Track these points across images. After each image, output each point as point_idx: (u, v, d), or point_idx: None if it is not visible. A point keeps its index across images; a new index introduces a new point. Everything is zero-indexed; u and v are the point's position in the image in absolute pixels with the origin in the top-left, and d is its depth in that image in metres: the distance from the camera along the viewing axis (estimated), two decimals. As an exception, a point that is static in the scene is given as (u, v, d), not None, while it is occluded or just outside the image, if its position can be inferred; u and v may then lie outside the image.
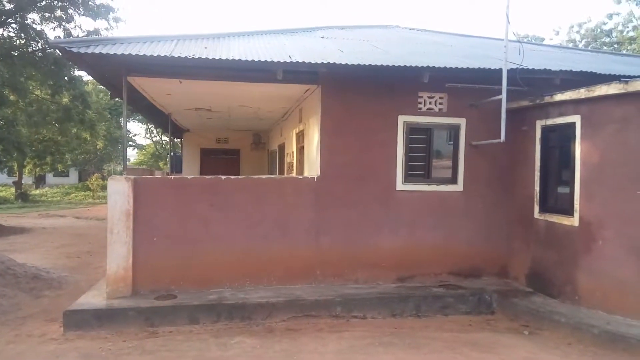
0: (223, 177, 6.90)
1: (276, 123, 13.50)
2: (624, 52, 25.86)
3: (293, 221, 7.07)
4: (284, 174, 11.87)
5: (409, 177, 7.46)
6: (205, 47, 7.21)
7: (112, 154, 42.61)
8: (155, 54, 6.24)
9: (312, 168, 7.72)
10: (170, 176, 11.40)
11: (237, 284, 6.84)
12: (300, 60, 6.51)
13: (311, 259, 7.09)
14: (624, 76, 6.73)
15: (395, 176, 7.39)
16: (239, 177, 7.18)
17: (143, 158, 48.80)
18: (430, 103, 7.50)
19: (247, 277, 6.88)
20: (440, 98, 7.52)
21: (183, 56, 6.33)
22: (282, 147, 12.59)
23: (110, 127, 34.51)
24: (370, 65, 6.65)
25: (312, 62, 6.49)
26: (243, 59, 6.39)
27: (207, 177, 7.01)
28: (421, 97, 7.47)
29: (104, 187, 31.78)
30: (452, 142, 7.69)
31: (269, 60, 6.42)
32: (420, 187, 7.49)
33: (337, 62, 6.57)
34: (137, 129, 70.02)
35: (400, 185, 7.41)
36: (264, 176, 7.51)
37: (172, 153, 16.97)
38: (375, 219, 7.31)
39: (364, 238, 7.26)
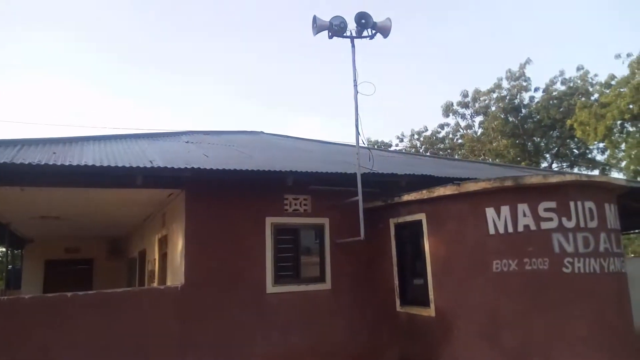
0: (69, 294, 6.09)
1: (137, 228, 12.65)
2: (456, 157, 30.37)
3: (154, 340, 6.38)
4: (144, 284, 10.91)
5: (279, 279, 7.39)
6: (54, 153, 6.70)
7: None
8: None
9: (176, 276, 7.25)
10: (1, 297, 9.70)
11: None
12: (161, 166, 6.37)
13: (175, 380, 6.37)
14: (457, 178, 7.80)
15: (265, 279, 7.26)
16: (89, 292, 6.42)
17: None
18: (295, 204, 7.76)
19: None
20: (305, 200, 7.84)
21: (26, 163, 5.77)
22: (142, 254, 11.70)
23: None
24: (235, 169, 6.76)
25: (175, 167, 6.40)
26: (97, 164, 6.05)
27: (49, 295, 6.14)
28: (287, 199, 7.72)
29: None
30: (318, 241, 7.94)
31: (127, 165, 6.18)
32: (290, 287, 7.43)
33: (201, 167, 6.56)
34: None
35: (270, 288, 7.27)
36: (119, 289, 6.82)
37: (9, 267, 14.61)
38: (247, 327, 6.96)
39: (236, 349, 6.80)
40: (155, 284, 9.40)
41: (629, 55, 22.26)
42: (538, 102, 29.77)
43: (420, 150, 33.99)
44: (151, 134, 10.72)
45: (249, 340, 6.93)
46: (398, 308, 7.39)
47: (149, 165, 6.36)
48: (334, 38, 7.62)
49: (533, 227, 6.05)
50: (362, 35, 7.71)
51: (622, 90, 22.00)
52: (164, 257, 8.87)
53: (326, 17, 7.49)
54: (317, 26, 7.40)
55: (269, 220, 7.46)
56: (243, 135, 12.97)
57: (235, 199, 7.26)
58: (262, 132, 14.27)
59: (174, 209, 7.88)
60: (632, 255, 37.93)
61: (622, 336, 6.14)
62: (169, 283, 7.98)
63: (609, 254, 6.20)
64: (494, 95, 30.97)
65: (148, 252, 10.82)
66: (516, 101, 30.30)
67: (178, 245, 7.31)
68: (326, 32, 7.51)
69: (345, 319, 7.68)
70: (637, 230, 19.68)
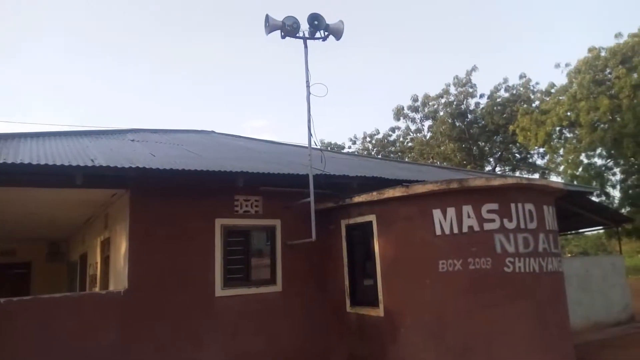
0: (2, 300, 5.70)
1: (78, 230, 12.05)
2: (406, 159, 31.12)
3: (95, 347, 6.07)
4: (86, 289, 10.41)
5: (228, 282, 7.24)
6: (-15, 149, 6.26)
7: None
8: None
9: (119, 280, 6.95)
10: None
11: None
12: (104, 164, 6.09)
13: (117, 389, 6.10)
14: (406, 181, 7.95)
15: (214, 282, 7.10)
16: (25, 298, 6.03)
17: None
18: (246, 206, 7.64)
19: None
20: (256, 201, 7.74)
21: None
22: (84, 258, 11.16)
23: None
24: (183, 170, 6.57)
25: (119, 166, 6.13)
26: (34, 162, 5.70)
27: (-23, 302, 5.69)
28: (237, 200, 7.59)
29: None
30: (269, 243, 7.86)
31: (66, 164, 5.86)
32: (240, 290, 7.31)
33: (147, 167, 6.32)
34: None
35: (219, 291, 7.12)
36: (58, 295, 6.44)
37: None
38: (195, 331, 6.77)
39: (182, 355, 6.60)
40: (97, 289, 8.99)
41: (567, 65, 23.64)
42: (483, 108, 31.05)
43: (372, 153, 34.57)
44: (94, 131, 10.27)
45: (196, 346, 6.75)
46: (348, 309, 7.45)
47: (90, 164, 6.06)
48: (287, 38, 7.60)
49: (477, 228, 6.27)
50: (315, 36, 7.73)
51: (561, 98, 23.32)
52: (106, 260, 8.49)
53: (280, 17, 7.46)
54: (270, 25, 7.34)
55: (219, 222, 7.31)
56: (193, 134, 12.66)
57: (183, 200, 7.06)
58: (212, 132, 14.00)
59: (118, 210, 7.56)
60: (569, 255, 40.32)
61: (559, 333, 6.48)
62: (111, 288, 7.65)
63: (547, 254, 6.53)
64: (442, 101, 32.02)
65: (90, 255, 10.34)
66: (463, 107, 31.46)
67: (121, 248, 7.01)
68: (279, 32, 7.46)
69: (296, 321, 7.64)
70: (573, 232, 20.93)
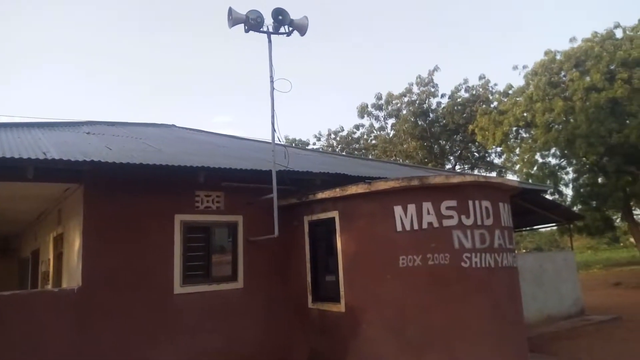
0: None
1: (30, 226, 11.53)
2: (370, 157, 31.43)
3: (47, 347, 5.83)
4: (38, 286, 9.97)
5: (187, 279, 7.11)
6: None
7: None
8: None
9: (73, 277, 6.70)
10: None
11: None
12: (56, 157, 5.83)
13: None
14: (369, 178, 8.03)
15: (173, 279, 6.94)
16: (-31, 297, 5.71)
17: None
18: (207, 201, 7.51)
19: None
20: (217, 197, 7.62)
21: None
22: (36, 254, 10.70)
23: None
24: (141, 164, 6.38)
25: (72, 159, 5.89)
26: (-20, 154, 5.39)
27: None
28: (198, 195, 7.44)
29: None
30: (231, 239, 7.76)
31: (16, 156, 5.58)
32: (200, 287, 7.18)
33: (102, 161, 6.10)
34: None
35: (178, 288, 6.97)
36: (6, 292, 6.13)
37: None
38: (152, 330, 6.61)
39: (138, 354, 6.43)
40: (49, 286, 8.64)
41: (524, 67, 24.44)
42: (444, 107, 31.73)
43: (337, 150, 34.73)
44: (48, 123, 9.83)
45: (153, 344, 6.59)
46: (310, 305, 7.45)
47: (42, 156, 5.79)
48: (251, 33, 7.50)
49: (436, 224, 6.40)
50: (279, 31, 7.66)
51: (518, 99, 24.12)
52: (59, 257, 8.17)
53: (244, 11, 7.35)
54: (233, 19, 7.22)
55: (179, 218, 7.15)
56: (152, 128, 12.32)
57: (141, 195, 6.86)
58: (173, 126, 13.67)
59: (72, 205, 7.27)
60: (524, 251, 41.88)
61: (513, 326, 6.71)
62: (64, 285, 7.36)
63: (502, 249, 6.73)
64: (405, 99, 32.50)
65: (42, 252, 9.92)
66: (425, 106, 32.04)
67: (75, 244, 6.75)
68: (242, 25, 7.36)
69: (258, 317, 7.58)
70: (528, 228, 21.74)
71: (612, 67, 19.92)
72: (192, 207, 7.34)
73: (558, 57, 22.48)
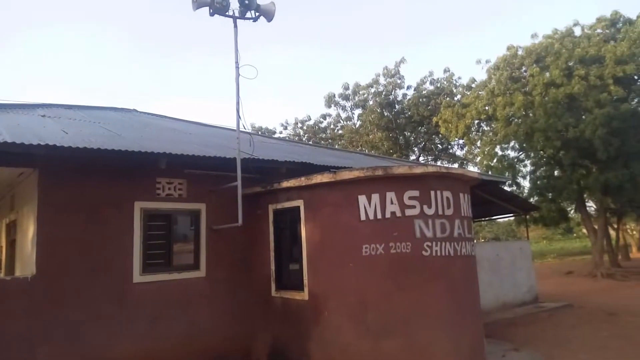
0: None
1: (-20, 212, 11.00)
2: (336, 146, 31.52)
3: (-4, 336, 5.61)
4: (-12, 276, 9.55)
5: (148, 267, 6.97)
6: None
7: None
8: None
9: (27, 266, 6.45)
10: None
11: None
12: (9, 141, 5.55)
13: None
14: (335, 167, 8.05)
15: (132, 267, 6.79)
16: None
17: None
18: (169, 189, 7.36)
19: None
20: (180, 184, 7.48)
21: None
22: (-13, 242, 10.21)
23: None
24: (99, 149, 6.16)
25: (26, 143, 5.63)
26: None
27: None
28: (159, 182, 7.28)
29: None
30: (193, 228, 7.64)
31: (-37, 139, 5.28)
32: (160, 276, 7.06)
33: (57, 145, 5.86)
34: None
35: (137, 277, 6.83)
36: (-48, 282, 5.86)
37: None
38: (109, 319, 6.46)
39: (94, 343, 6.27)
40: (1, 275, 8.29)
41: (487, 61, 24.96)
42: (410, 99, 32.10)
43: (303, 139, 34.63)
44: (0, 105, 9.34)
45: (109, 334, 6.44)
46: (273, 293, 7.46)
47: (-8, 139, 5.51)
48: (216, 16, 7.34)
49: (399, 213, 6.50)
50: (246, 16, 7.54)
51: (480, 93, 24.68)
52: (12, 244, 7.85)
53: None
54: (197, 1, 7.04)
55: (139, 205, 6.98)
56: (112, 112, 11.92)
57: (99, 181, 6.65)
58: (134, 110, 13.25)
59: (25, 190, 6.98)
60: (482, 240, 43.23)
61: (470, 313, 6.92)
62: (17, 273, 7.08)
63: (462, 238, 6.92)
64: (372, 90, 32.66)
65: (-7, 240, 9.47)
66: (391, 97, 32.31)
67: (29, 231, 6.49)
68: (207, 8, 7.19)
69: (220, 306, 7.53)
70: (486, 218, 22.41)
71: (570, 64, 20.61)
72: (153, 195, 7.18)
73: (520, 52, 23.09)
